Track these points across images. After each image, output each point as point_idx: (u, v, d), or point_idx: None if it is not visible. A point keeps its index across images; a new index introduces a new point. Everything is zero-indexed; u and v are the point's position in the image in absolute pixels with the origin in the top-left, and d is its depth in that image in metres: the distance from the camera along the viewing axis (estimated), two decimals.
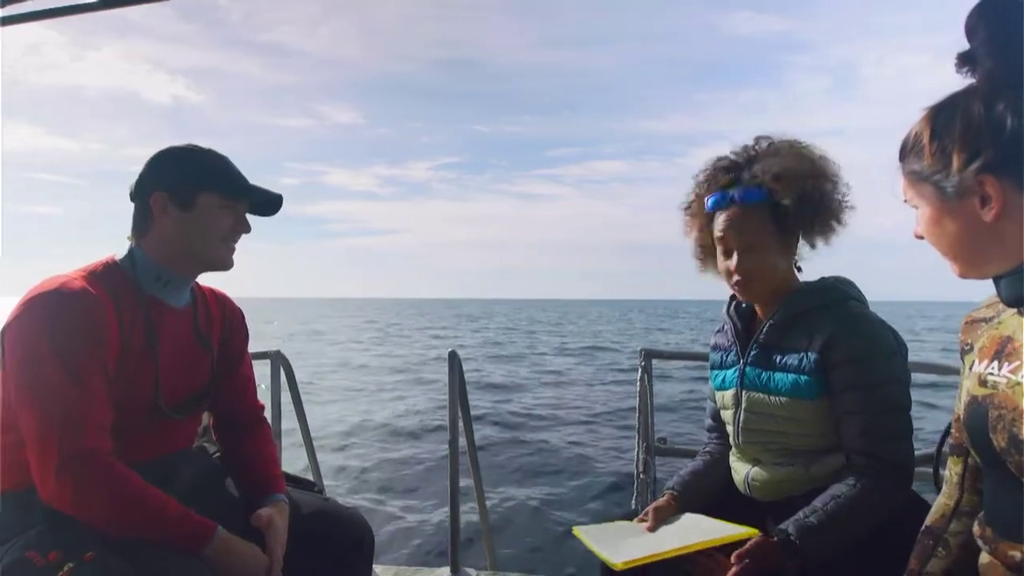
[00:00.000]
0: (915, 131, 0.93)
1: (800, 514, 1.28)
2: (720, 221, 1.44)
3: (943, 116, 0.88)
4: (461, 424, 2.51)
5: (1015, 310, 0.93)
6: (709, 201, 1.46)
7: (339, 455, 7.12)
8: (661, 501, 1.50)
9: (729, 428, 1.53)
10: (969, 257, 0.92)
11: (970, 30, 0.86)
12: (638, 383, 2.45)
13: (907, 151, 0.94)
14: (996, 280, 0.92)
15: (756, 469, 1.47)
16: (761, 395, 1.43)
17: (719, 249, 1.46)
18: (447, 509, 2.56)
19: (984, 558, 0.94)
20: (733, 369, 1.52)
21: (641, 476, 2.40)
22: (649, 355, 2.45)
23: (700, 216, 1.51)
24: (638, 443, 2.44)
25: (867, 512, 1.27)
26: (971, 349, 1.01)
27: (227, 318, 1.54)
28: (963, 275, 0.94)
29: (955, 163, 0.86)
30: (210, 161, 1.37)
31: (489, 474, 5.76)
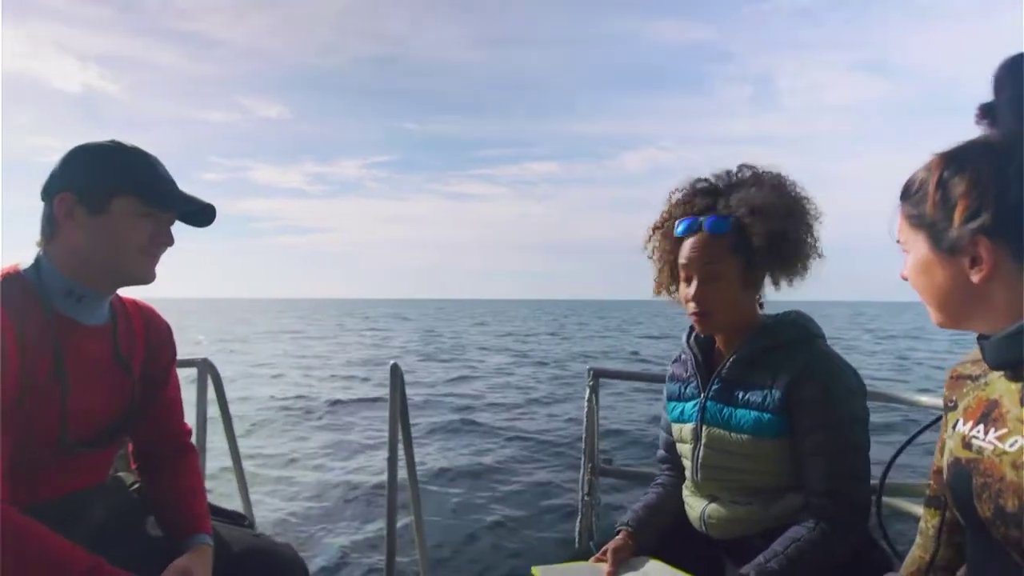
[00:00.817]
0: (921, 175, 0.90)
1: (760, 558, 1.26)
2: (686, 247, 1.41)
3: (953, 166, 0.86)
4: (401, 444, 2.41)
5: (1000, 373, 0.92)
6: (680, 226, 1.43)
7: (271, 474, 6.81)
8: (619, 541, 1.45)
9: (686, 463, 1.50)
10: (949, 312, 0.90)
11: (998, 83, 0.84)
12: (585, 403, 2.41)
13: (910, 193, 0.92)
14: (979, 340, 0.91)
15: (713, 506, 1.44)
16: (722, 431, 1.40)
17: (682, 275, 1.43)
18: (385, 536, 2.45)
19: None
20: (693, 403, 1.49)
21: (586, 498, 2.35)
22: (598, 375, 2.42)
23: (669, 238, 1.47)
24: (583, 464, 2.40)
25: (827, 554, 1.26)
26: (955, 406, 0.99)
27: (152, 335, 1.38)
28: (941, 325, 0.93)
29: (956, 218, 0.84)
30: (132, 162, 1.22)
31: (430, 497, 5.63)
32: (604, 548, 1.44)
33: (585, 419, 2.40)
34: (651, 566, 1.39)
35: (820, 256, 1.39)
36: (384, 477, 2.36)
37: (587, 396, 2.40)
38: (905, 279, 0.96)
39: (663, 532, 1.51)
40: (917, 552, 1.07)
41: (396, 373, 2.39)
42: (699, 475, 1.44)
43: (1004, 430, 0.85)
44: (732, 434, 1.38)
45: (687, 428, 1.48)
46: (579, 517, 2.35)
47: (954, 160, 0.86)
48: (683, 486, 1.57)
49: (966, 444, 0.91)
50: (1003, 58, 0.84)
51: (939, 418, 1.70)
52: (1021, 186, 0.80)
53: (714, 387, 1.43)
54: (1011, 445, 0.83)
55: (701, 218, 1.40)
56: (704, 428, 1.43)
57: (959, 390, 1.00)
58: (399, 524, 2.40)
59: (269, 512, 5.41)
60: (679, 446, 1.52)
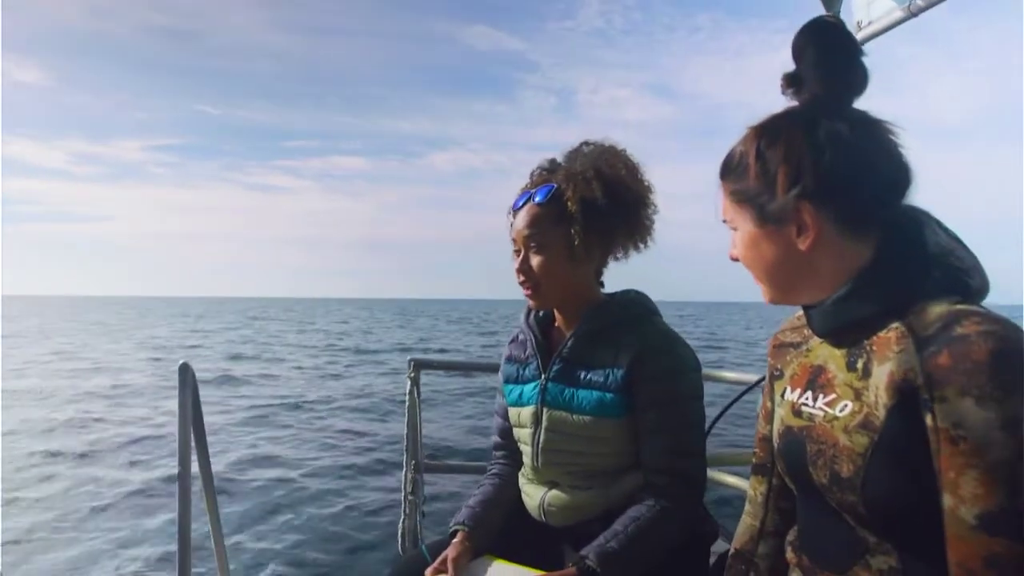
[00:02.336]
0: (739, 149, 0.89)
1: (600, 539, 1.22)
2: (517, 219, 1.36)
3: (768, 136, 0.85)
4: (195, 455, 2.06)
5: (820, 340, 0.94)
6: (517, 201, 1.38)
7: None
8: (457, 546, 1.32)
9: (525, 448, 1.42)
10: (781, 284, 0.90)
11: (798, 51, 0.85)
12: (407, 396, 2.26)
13: (730, 169, 0.90)
14: (806, 310, 0.92)
15: (553, 493, 1.37)
16: (564, 413, 1.34)
17: (514, 249, 1.38)
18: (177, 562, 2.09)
19: None
20: (533, 384, 1.41)
21: (410, 497, 2.21)
22: (419, 366, 2.28)
23: (513, 216, 1.40)
24: (406, 461, 2.25)
25: (668, 532, 1.25)
26: (781, 375, 1.00)
27: None
28: (773, 301, 0.93)
29: (778, 187, 0.83)
30: None
31: (230, 515, 5.06)
32: (442, 556, 1.31)
33: (407, 413, 2.25)
34: (495, 569, 1.30)
35: (650, 232, 1.37)
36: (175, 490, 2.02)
37: (408, 388, 2.26)
38: (735, 259, 0.95)
39: (500, 526, 1.43)
40: (748, 520, 1.09)
41: (186, 374, 2.05)
42: (539, 460, 1.37)
43: (832, 395, 0.86)
44: (574, 416, 1.32)
45: (526, 411, 1.40)
46: (402, 519, 2.20)
47: (767, 131, 0.86)
48: (520, 474, 1.49)
49: (796, 411, 0.92)
50: (800, 26, 0.86)
51: (748, 389, 1.82)
52: (834, 149, 0.81)
53: (555, 368, 1.37)
54: (841, 410, 0.84)
55: (534, 190, 1.35)
56: (545, 411, 1.37)
57: (783, 358, 1.02)
58: (194, 546, 2.07)
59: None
60: (517, 431, 1.44)
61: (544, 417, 1.36)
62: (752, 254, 0.90)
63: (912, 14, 1.61)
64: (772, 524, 1.05)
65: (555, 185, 1.33)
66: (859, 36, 1.79)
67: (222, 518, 2.35)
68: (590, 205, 1.30)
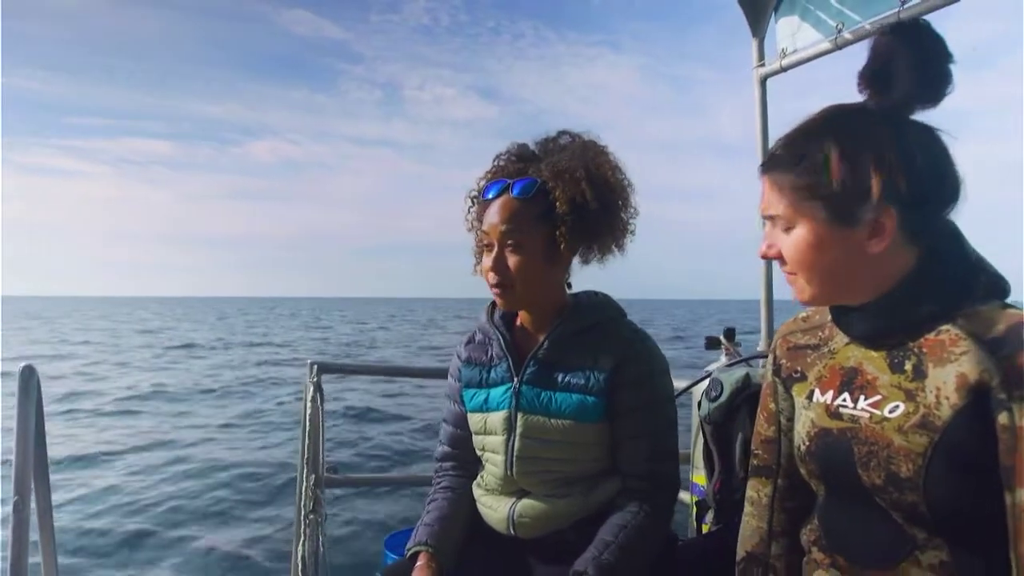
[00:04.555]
0: (809, 142, 0.86)
1: (592, 551, 1.16)
2: (490, 212, 1.25)
3: (855, 135, 0.84)
4: (33, 477, 1.68)
5: (846, 341, 0.95)
6: (489, 189, 1.27)
7: None
8: (424, 570, 1.19)
9: (493, 456, 1.31)
10: (836, 284, 0.89)
11: (887, 51, 0.84)
12: (308, 404, 2.03)
13: (795, 163, 0.87)
14: (843, 312, 0.92)
15: (525, 503, 1.28)
16: (541, 418, 1.25)
17: (483, 243, 1.27)
18: None
19: None
20: (504, 388, 1.31)
21: (310, 516, 1.98)
22: (321, 369, 2.06)
23: (480, 205, 1.29)
24: (304, 475, 2.02)
25: (655, 537, 1.22)
26: (803, 377, 1.00)
27: None
28: (812, 300, 0.91)
29: (874, 188, 0.82)
30: None
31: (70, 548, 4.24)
32: None
33: (308, 422, 2.03)
34: None
35: (632, 234, 1.34)
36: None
37: (310, 395, 2.03)
38: (772, 257, 0.92)
39: (460, 542, 1.30)
40: (753, 522, 1.08)
41: (30, 379, 1.66)
42: (513, 469, 1.28)
43: (877, 397, 0.87)
44: (552, 420, 1.25)
45: (496, 417, 1.30)
46: (301, 541, 1.97)
47: (854, 129, 0.85)
48: (476, 485, 1.38)
49: (834, 414, 0.92)
50: (886, 26, 0.87)
51: (690, 386, 1.86)
52: (922, 155, 0.82)
53: (529, 370, 1.29)
54: (891, 411, 0.85)
55: (510, 180, 1.26)
56: (520, 415, 1.27)
57: (802, 360, 1.02)
58: None
59: None
60: (482, 439, 1.33)
61: (519, 422, 1.27)
62: (812, 253, 0.87)
63: (837, 47, 1.75)
64: (780, 525, 1.06)
65: (538, 180, 1.25)
66: (782, 63, 1.92)
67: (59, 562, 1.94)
68: (579, 208, 1.24)
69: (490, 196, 1.27)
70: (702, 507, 1.67)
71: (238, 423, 9.44)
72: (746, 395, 1.48)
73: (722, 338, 2.00)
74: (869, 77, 0.86)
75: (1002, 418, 0.76)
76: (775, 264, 0.95)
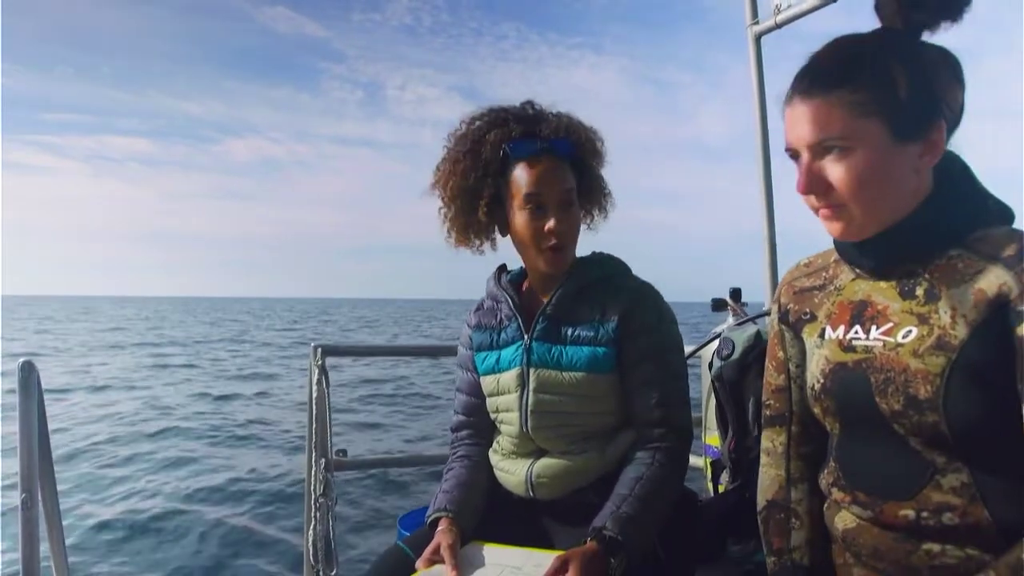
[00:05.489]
0: (863, 58, 0.83)
1: (610, 506, 1.15)
2: (533, 170, 1.24)
3: (905, 50, 0.83)
4: (38, 477, 1.65)
5: (851, 276, 0.95)
6: (513, 146, 1.25)
7: None
8: (447, 534, 1.18)
9: (508, 415, 1.31)
10: (891, 209, 0.85)
11: None
12: (314, 387, 2.01)
13: (849, 78, 0.82)
14: (853, 246, 0.90)
15: (543, 462, 1.27)
16: (553, 372, 1.26)
17: (527, 207, 1.25)
18: None
19: (850, 522, 0.93)
20: (514, 347, 1.31)
21: (320, 500, 1.96)
22: (325, 352, 2.04)
23: (491, 164, 1.26)
24: (313, 459, 2.00)
25: (673, 486, 1.23)
26: (812, 317, 1.00)
27: None
28: (863, 231, 0.87)
29: (931, 103, 0.82)
30: None
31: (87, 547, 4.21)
32: (432, 545, 1.15)
33: (315, 406, 2.01)
34: (493, 554, 1.16)
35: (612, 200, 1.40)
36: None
37: (316, 378, 2.01)
38: (815, 192, 0.85)
39: (480, 509, 1.30)
40: (771, 471, 1.07)
41: (30, 375, 1.64)
42: (529, 425, 1.27)
43: (889, 324, 0.87)
44: (564, 373, 1.26)
45: (509, 375, 1.30)
46: (312, 525, 1.95)
47: (905, 46, 0.84)
48: (493, 451, 1.37)
49: (847, 347, 0.92)
50: None
51: (699, 348, 1.85)
52: (961, 73, 0.84)
53: (539, 326, 1.29)
54: (904, 336, 0.85)
55: (546, 142, 1.26)
56: (532, 371, 1.28)
57: (810, 301, 1.01)
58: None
59: None
60: (497, 400, 1.33)
61: (531, 377, 1.27)
62: (875, 172, 0.82)
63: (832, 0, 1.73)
64: (797, 471, 1.05)
65: (571, 140, 1.28)
66: (776, 19, 1.91)
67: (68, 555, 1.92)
68: (594, 169, 1.34)
69: (520, 154, 1.25)
70: (717, 467, 1.66)
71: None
72: (757, 352, 1.48)
73: (728, 299, 1.99)
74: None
75: (1021, 330, 0.76)
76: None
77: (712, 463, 1.69)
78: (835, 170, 0.83)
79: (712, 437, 1.80)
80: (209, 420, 9.27)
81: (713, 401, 1.62)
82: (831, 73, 0.83)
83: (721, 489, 1.63)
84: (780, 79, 0.89)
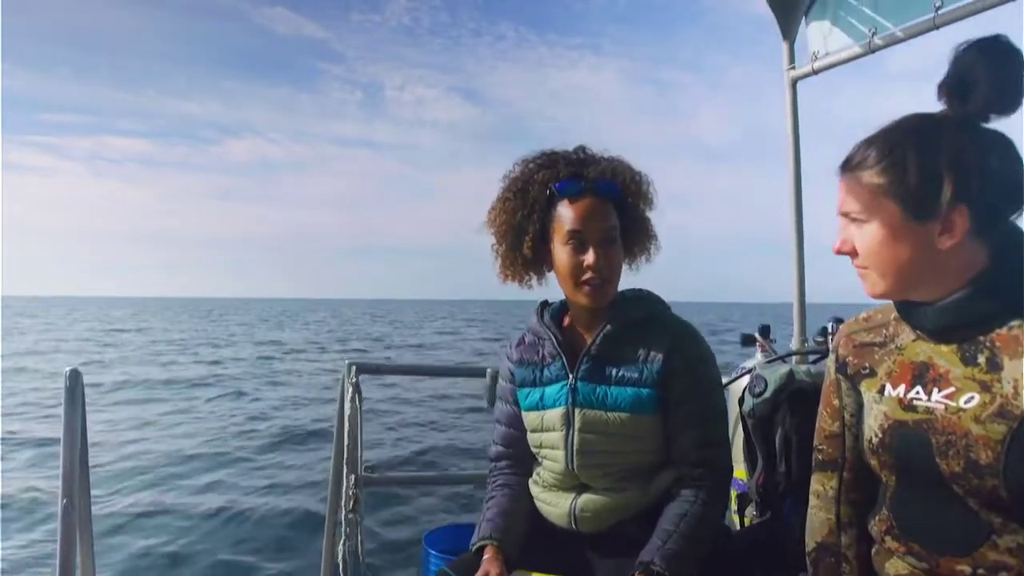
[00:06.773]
0: (884, 144, 0.91)
1: (656, 541, 1.19)
2: (575, 210, 1.29)
3: (928, 139, 0.89)
4: (78, 484, 1.69)
5: (912, 337, 0.99)
6: (559, 186, 1.30)
7: None
8: (494, 563, 1.23)
9: (553, 452, 1.34)
10: (906, 279, 0.93)
11: (968, 62, 0.88)
12: (346, 404, 2.05)
13: (872, 163, 0.92)
14: (912, 308, 0.96)
15: (586, 497, 1.31)
16: (598, 412, 1.30)
17: (569, 243, 1.30)
18: None
19: (903, 570, 0.97)
20: (559, 385, 1.34)
21: (349, 516, 2.00)
22: (360, 370, 2.08)
23: (538, 202, 1.32)
24: (344, 476, 2.04)
25: (713, 523, 1.27)
26: (871, 372, 1.04)
27: None
28: (884, 294, 0.96)
29: (946, 188, 0.86)
30: None
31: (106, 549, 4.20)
32: (482, 572, 1.20)
33: (347, 422, 2.05)
34: None
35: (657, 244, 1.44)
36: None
37: (349, 395, 2.05)
38: (845, 252, 0.97)
39: (522, 537, 1.34)
40: (822, 515, 1.12)
41: (76, 382, 1.68)
42: (575, 463, 1.31)
43: (951, 389, 0.91)
44: (609, 414, 1.29)
45: (554, 413, 1.34)
46: (342, 540, 1.99)
47: (927, 133, 0.90)
48: (533, 483, 1.41)
49: (908, 406, 0.96)
50: (966, 41, 0.91)
51: (731, 381, 1.89)
52: (997, 158, 0.87)
53: (584, 366, 1.33)
54: (967, 402, 0.89)
55: (591, 183, 1.31)
56: (577, 411, 1.31)
57: (870, 357, 1.06)
58: None
59: None
60: (540, 436, 1.36)
61: (576, 417, 1.31)
62: (885, 249, 0.92)
63: (870, 51, 1.79)
64: (847, 516, 1.09)
65: (617, 181, 1.33)
66: (814, 66, 1.96)
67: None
68: (640, 211, 1.37)
69: (566, 192, 1.31)
70: (743, 500, 1.70)
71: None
72: (788, 392, 1.52)
73: (757, 335, 2.03)
74: (950, 86, 0.90)
75: None
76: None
77: (739, 496, 1.73)
78: (857, 237, 0.95)
79: (739, 471, 1.84)
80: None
81: (740, 435, 1.66)
82: (862, 158, 0.93)
83: (747, 522, 1.67)
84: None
